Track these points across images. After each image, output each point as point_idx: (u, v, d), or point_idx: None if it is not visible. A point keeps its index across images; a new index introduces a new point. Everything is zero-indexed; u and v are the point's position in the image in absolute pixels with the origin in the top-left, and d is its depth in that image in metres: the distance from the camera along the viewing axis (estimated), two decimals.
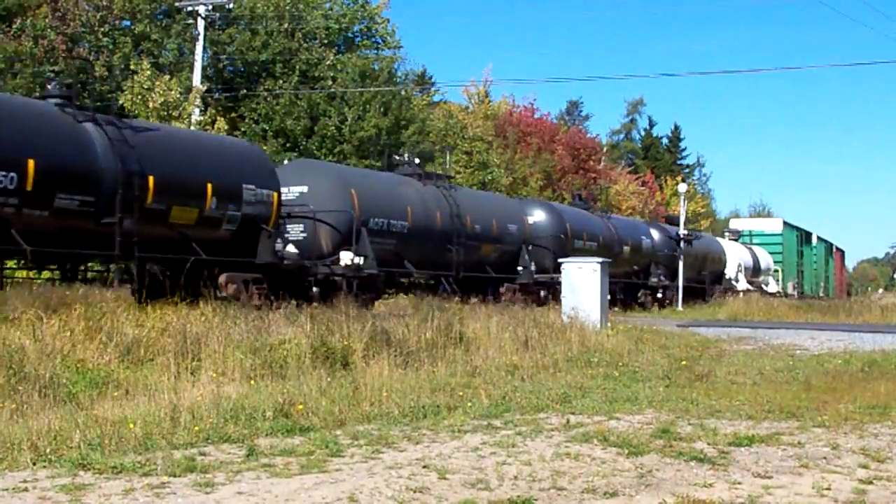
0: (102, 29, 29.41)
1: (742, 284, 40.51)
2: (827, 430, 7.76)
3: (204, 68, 30.05)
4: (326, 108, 32.81)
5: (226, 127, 26.37)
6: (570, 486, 5.74)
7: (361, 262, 18.15)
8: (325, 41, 35.10)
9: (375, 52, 37.82)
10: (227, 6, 30.51)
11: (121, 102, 25.18)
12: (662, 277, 33.18)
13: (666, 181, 61.78)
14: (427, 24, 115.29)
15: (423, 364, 10.97)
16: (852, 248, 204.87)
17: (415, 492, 5.54)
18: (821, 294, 52.29)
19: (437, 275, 21.60)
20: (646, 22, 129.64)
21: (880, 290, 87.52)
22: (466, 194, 23.94)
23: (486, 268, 23.27)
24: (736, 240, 44.46)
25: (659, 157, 73.24)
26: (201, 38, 29.50)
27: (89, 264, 15.80)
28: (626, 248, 30.10)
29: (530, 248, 24.78)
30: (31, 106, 14.32)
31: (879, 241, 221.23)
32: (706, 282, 36.44)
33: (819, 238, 55.61)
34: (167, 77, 26.42)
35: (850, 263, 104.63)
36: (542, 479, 5.90)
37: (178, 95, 25.42)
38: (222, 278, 15.54)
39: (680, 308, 32.34)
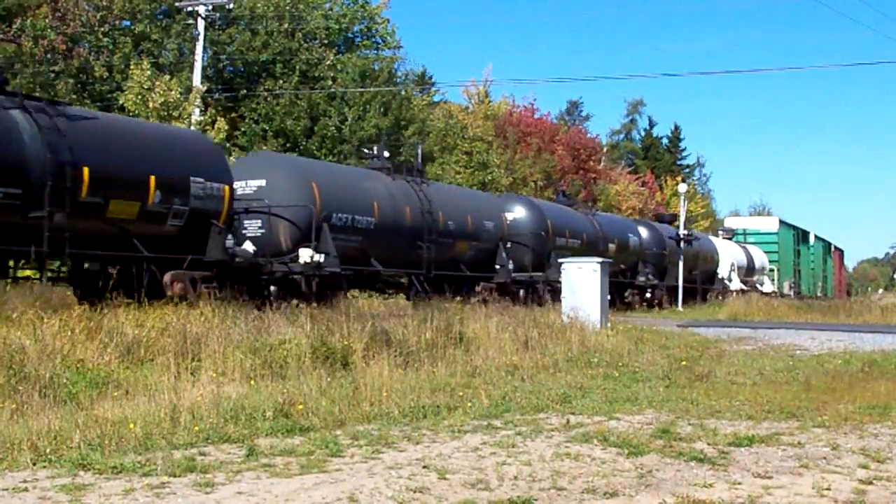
0: (102, 29, 29.39)
1: (735, 284, 39.89)
2: (827, 431, 7.76)
3: (204, 68, 30.05)
4: (326, 108, 32.83)
5: (226, 127, 26.35)
6: (570, 487, 5.74)
7: (322, 260, 17.33)
8: (325, 41, 35.11)
9: (375, 52, 37.85)
10: (227, 6, 30.50)
11: (121, 102, 25.23)
12: (651, 276, 32.36)
13: (666, 181, 61.82)
14: (427, 24, 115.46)
15: (423, 364, 10.97)
16: (852, 249, 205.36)
17: (415, 492, 5.54)
18: (819, 294, 52.01)
19: (407, 273, 20.82)
20: (646, 22, 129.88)
21: (880, 291, 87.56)
22: (439, 189, 22.97)
23: (460, 266, 22.51)
24: (730, 238, 43.88)
25: (659, 158, 73.28)
26: (201, 38, 29.49)
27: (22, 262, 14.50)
28: (612, 246, 29.24)
29: (508, 245, 24.00)
30: None
31: (880, 242, 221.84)
32: (697, 281, 35.79)
33: (817, 237, 55.24)
34: (167, 77, 26.42)
35: (851, 264, 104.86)
36: (542, 480, 5.90)
37: (179, 95, 25.41)
38: (167, 277, 14.66)
39: (680, 308, 32.26)
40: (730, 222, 52.08)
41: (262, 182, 17.91)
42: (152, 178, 14.54)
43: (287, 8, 33.75)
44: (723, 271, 39.71)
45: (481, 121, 43.06)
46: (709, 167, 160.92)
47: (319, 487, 5.60)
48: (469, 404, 8.72)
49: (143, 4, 31.01)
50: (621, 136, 77.99)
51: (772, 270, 46.69)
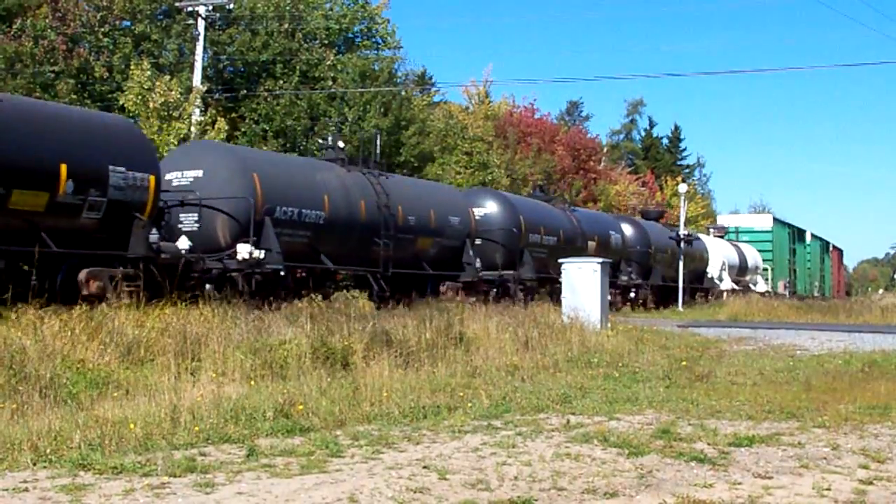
0: (102, 29, 29.38)
1: (726, 284, 38.86)
2: (827, 431, 7.76)
3: (204, 68, 30.03)
4: (327, 108, 32.83)
5: (226, 127, 26.34)
6: (571, 487, 5.75)
7: (262, 257, 16.24)
8: (326, 41, 35.09)
9: (375, 52, 37.80)
10: (227, 6, 30.49)
11: (121, 103, 25.22)
12: (634, 276, 31.00)
13: (666, 181, 61.78)
14: (427, 24, 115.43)
15: (423, 364, 10.98)
16: (853, 249, 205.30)
17: (415, 492, 5.54)
18: (815, 294, 51.53)
19: (361, 271, 19.56)
20: (646, 22, 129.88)
21: (880, 291, 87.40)
22: (399, 182, 21.51)
23: (422, 264, 21.18)
24: (721, 237, 42.72)
25: (659, 158, 73.28)
26: (201, 38, 29.48)
27: None
28: (592, 244, 27.91)
29: (477, 242, 22.83)
30: None
31: (880, 242, 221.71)
32: (685, 281, 34.45)
33: (813, 236, 54.39)
34: (167, 77, 26.42)
35: (851, 264, 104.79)
36: (542, 480, 5.90)
37: (179, 96, 25.41)
38: (82, 274, 13.54)
39: (680, 308, 32.18)
40: (722, 220, 51.15)
41: (199, 172, 16.71)
42: (63, 166, 13.35)
43: (287, 8, 33.74)
44: (713, 270, 38.60)
45: (481, 121, 43.04)
46: (709, 167, 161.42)
47: (320, 488, 5.60)
48: (469, 404, 8.72)
49: (143, 4, 30.99)
50: (621, 136, 78.09)
51: (766, 269, 45.75)
